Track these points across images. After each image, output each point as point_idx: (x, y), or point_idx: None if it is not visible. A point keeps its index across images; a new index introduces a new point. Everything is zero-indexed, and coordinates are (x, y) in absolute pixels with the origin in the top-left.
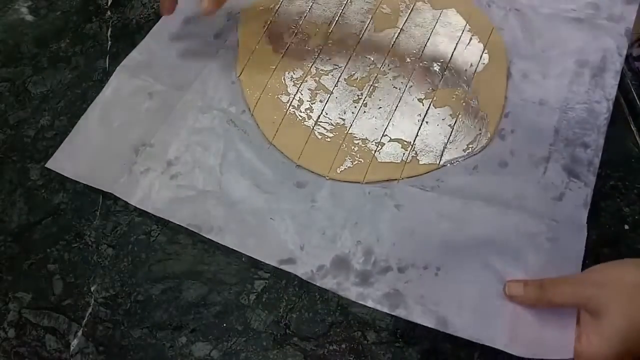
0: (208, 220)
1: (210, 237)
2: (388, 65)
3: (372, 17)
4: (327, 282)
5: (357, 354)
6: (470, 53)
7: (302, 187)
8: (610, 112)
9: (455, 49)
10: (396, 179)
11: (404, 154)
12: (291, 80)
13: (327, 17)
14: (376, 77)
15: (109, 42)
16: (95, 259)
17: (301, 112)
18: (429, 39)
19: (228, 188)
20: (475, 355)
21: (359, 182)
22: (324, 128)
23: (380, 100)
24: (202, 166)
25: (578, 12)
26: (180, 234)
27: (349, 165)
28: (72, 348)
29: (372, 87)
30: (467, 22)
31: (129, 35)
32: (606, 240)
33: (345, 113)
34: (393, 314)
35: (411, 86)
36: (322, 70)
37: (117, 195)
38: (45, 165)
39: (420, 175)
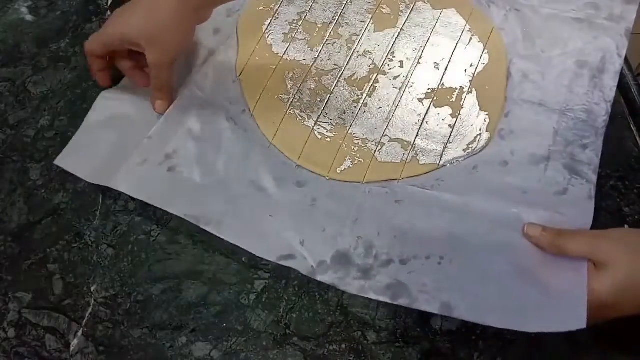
0: (206, 213)
1: (208, 230)
2: (388, 65)
3: (372, 17)
4: (328, 278)
5: (357, 354)
6: (470, 53)
7: (302, 187)
8: (608, 115)
9: (455, 49)
10: (396, 179)
11: (404, 154)
12: (291, 80)
13: (327, 17)
14: (376, 77)
15: None
16: (95, 259)
17: (301, 112)
18: (429, 39)
19: (227, 184)
20: (475, 356)
21: (359, 182)
22: (324, 128)
23: (380, 100)
24: (201, 161)
25: (578, 12)
26: (180, 234)
27: (349, 166)
28: (72, 348)
29: (372, 87)
30: (467, 22)
31: None
32: None
33: (345, 113)
34: (396, 303)
35: (411, 86)
36: (322, 70)
37: (112, 187)
38: (54, 162)
39: (420, 175)
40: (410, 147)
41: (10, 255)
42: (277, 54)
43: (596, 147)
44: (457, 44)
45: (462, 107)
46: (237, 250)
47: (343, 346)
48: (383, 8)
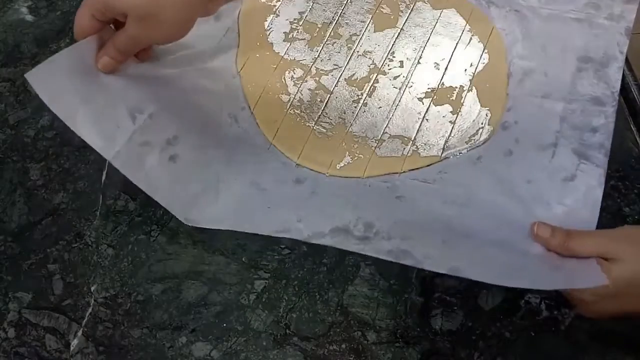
0: (205, 209)
1: (206, 227)
2: (388, 66)
3: (372, 17)
4: (325, 241)
5: (357, 354)
6: (470, 53)
7: (301, 183)
8: (616, 102)
9: (455, 48)
10: (397, 173)
11: (404, 148)
12: (291, 79)
13: (327, 17)
14: (376, 77)
15: None
16: (95, 259)
17: (301, 111)
18: (429, 39)
19: (227, 181)
20: (475, 356)
21: (359, 177)
22: (324, 127)
23: (380, 100)
24: (202, 154)
25: (577, 13)
26: (180, 234)
27: (348, 162)
28: (72, 348)
29: (372, 87)
30: (467, 22)
31: None
32: None
33: (345, 113)
34: (400, 262)
35: (411, 86)
36: (322, 70)
37: (117, 168)
38: (25, 75)
39: (422, 167)
40: (411, 142)
41: (10, 255)
42: (278, 53)
43: (607, 131)
44: (457, 43)
45: (462, 105)
46: (237, 251)
47: (343, 346)
48: (383, 8)
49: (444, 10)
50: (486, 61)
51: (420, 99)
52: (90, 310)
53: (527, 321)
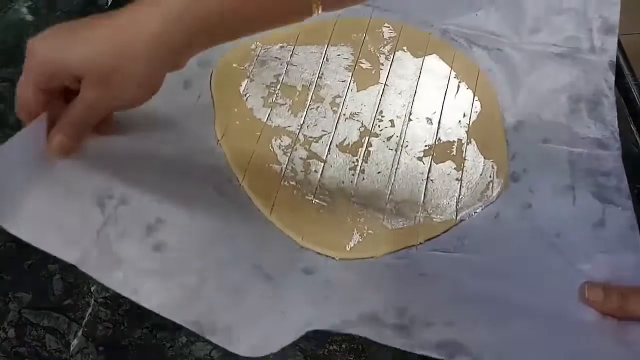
0: (210, 316)
1: (215, 341)
2: (378, 126)
3: (353, 75)
4: (358, 330)
5: (357, 354)
6: (461, 102)
7: (312, 273)
8: (619, 142)
9: (444, 99)
10: (414, 245)
11: (415, 216)
12: (280, 148)
13: (305, 79)
14: (368, 140)
15: None
16: None
17: (297, 184)
18: (415, 91)
19: (228, 268)
20: None
21: (373, 257)
22: (324, 201)
23: (377, 164)
24: (193, 235)
25: (559, 47)
26: None
27: (358, 240)
28: (72, 348)
29: (366, 152)
30: (451, 68)
31: None
32: None
33: (343, 182)
34: None
35: (407, 145)
36: (310, 137)
37: (92, 276)
38: None
39: (439, 235)
40: (421, 207)
41: (10, 255)
42: (260, 119)
43: (619, 173)
44: (445, 93)
45: (465, 160)
46: None
47: (343, 346)
48: (362, 63)
49: (425, 58)
50: (479, 109)
51: (419, 159)
52: (90, 310)
53: None
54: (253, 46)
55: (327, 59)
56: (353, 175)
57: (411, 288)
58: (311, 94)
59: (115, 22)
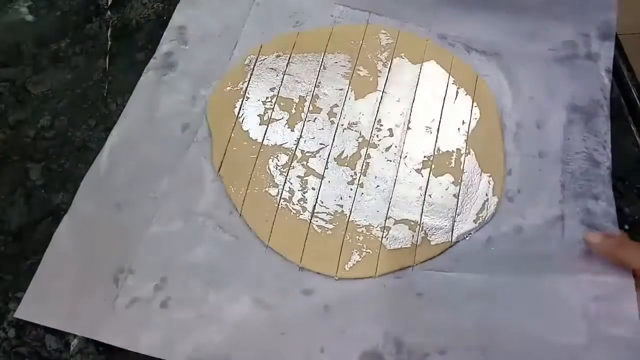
0: (212, 351)
1: None
2: (377, 136)
3: (350, 83)
4: None
5: None
6: (460, 109)
7: (310, 294)
8: (610, 160)
9: (443, 106)
10: (410, 266)
11: (412, 236)
12: (276, 168)
13: (302, 89)
14: (367, 151)
15: (109, 42)
16: None
17: (294, 204)
18: (414, 99)
19: (228, 308)
20: None
21: (371, 277)
22: (322, 219)
23: (376, 177)
24: (195, 286)
25: (556, 52)
26: None
27: (357, 260)
28: (72, 348)
29: (364, 164)
30: (449, 74)
31: (129, 35)
32: None
33: (341, 198)
34: None
35: (405, 156)
36: (307, 152)
37: (105, 342)
38: (15, 316)
39: (435, 257)
40: (418, 227)
41: (10, 255)
42: (256, 140)
43: (607, 198)
44: (444, 100)
45: (463, 172)
46: None
47: None
48: (360, 70)
49: (423, 64)
50: (478, 116)
51: (418, 171)
52: None
53: None
54: (247, 61)
55: (324, 67)
56: (351, 190)
57: (408, 312)
58: (308, 104)
59: None
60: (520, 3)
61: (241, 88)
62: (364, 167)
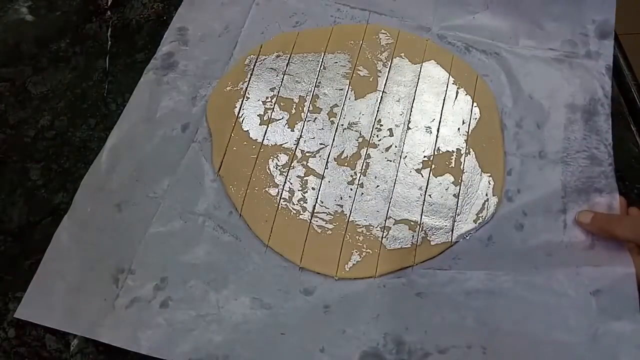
0: (211, 351)
1: None
2: (377, 136)
3: (350, 83)
4: None
5: None
6: (460, 109)
7: (311, 294)
8: (612, 157)
9: (443, 106)
10: (410, 266)
11: (412, 236)
12: (276, 168)
13: (302, 89)
14: (367, 151)
15: (109, 42)
16: None
17: (294, 204)
18: (414, 99)
19: (227, 308)
20: None
21: (371, 277)
22: (322, 219)
23: (376, 177)
24: (195, 286)
25: (556, 52)
26: None
27: (357, 260)
28: (72, 348)
29: (364, 164)
30: (449, 74)
31: (129, 35)
32: None
33: (342, 198)
34: None
35: (405, 156)
36: (307, 152)
37: (105, 342)
38: (15, 316)
39: (435, 257)
40: (418, 227)
41: (10, 255)
42: (256, 140)
43: (611, 190)
44: (444, 100)
45: (463, 172)
46: None
47: None
48: (360, 70)
49: (423, 64)
50: (478, 116)
51: (418, 171)
52: None
53: None
54: (247, 61)
55: (324, 67)
56: (351, 190)
57: (408, 312)
58: (308, 104)
59: None
60: (519, 3)
61: (241, 88)
62: (364, 167)
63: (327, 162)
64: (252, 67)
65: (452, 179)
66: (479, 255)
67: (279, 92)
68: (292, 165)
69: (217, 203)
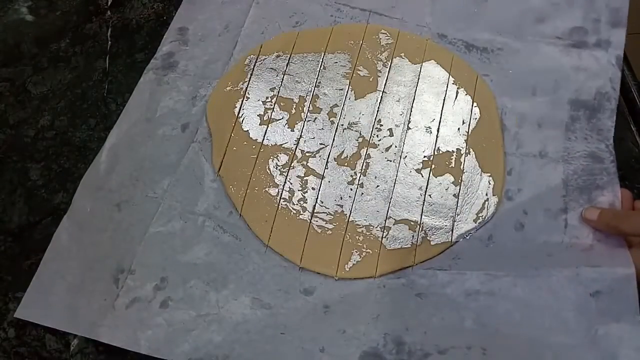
0: (211, 351)
1: None
2: (377, 136)
3: (350, 83)
4: None
5: None
6: (460, 109)
7: (311, 294)
8: (614, 156)
9: (443, 106)
10: (410, 266)
11: (412, 236)
12: (276, 168)
13: (302, 89)
14: (367, 151)
15: (109, 42)
16: None
17: (294, 204)
18: (414, 99)
19: (227, 308)
20: None
21: (371, 277)
22: (322, 219)
23: (376, 177)
24: (195, 286)
25: (563, 41)
26: None
27: (357, 260)
28: (72, 348)
29: (364, 164)
30: (449, 74)
31: (129, 35)
32: None
33: (342, 198)
34: None
35: (405, 156)
36: (307, 152)
37: (105, 342)
38: (15, 315)
39: (435, 256)
40: (418, 227)
41: (10, 255)
42: (256, 140)
43: (613, 188)
44: (444, 100)
45: (463, 172)
46: None
47: None
48: (360, 70)
49: (423, 64)
50: (478, 116)
51: (418, 171)
52: None
53: None
54: (247, 61)
55: (324, 67)
56: (351, 190)
57: (408, 312)
58: (308, 104)
59: None
60: None
61: (241, 88)
62: (363, 167)
63: (327, 162)
64: (252, 67)
65: (452, 179)
66: (479, 255)
67: (279, 92)
68: (292, 165)
69: (217, 203)
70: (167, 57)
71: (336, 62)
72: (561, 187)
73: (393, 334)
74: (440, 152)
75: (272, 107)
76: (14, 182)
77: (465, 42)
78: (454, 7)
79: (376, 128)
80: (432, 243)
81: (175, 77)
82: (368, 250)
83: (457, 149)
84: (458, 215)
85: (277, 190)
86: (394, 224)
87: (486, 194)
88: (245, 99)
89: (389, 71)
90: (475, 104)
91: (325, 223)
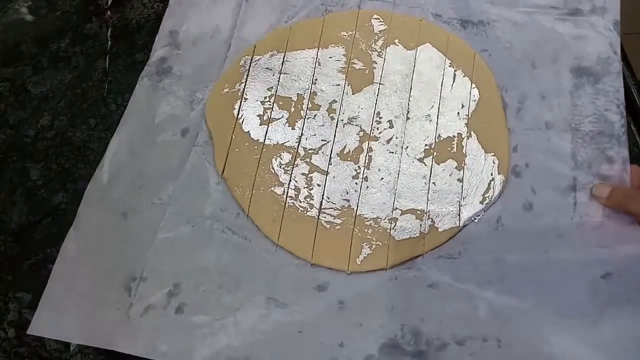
0: (231, 354)
1: None
2: (377, 129)
3: (346, 77)
4: None
5: None
6: (459, 91)
7: (324, 290)
8: (624, 117)
9: (441, 91)
10: (420, 255)
11: (420, 225)
12: (280, 167)
13: (299, 87)
14: (369, 145)
15: (109, 42)
16: None
17: (301, 202)
18: (411, 87)
19: (242, 309)
20: None
21: (382, 269)
22: (330, 215)
23: (379, 170)
24: (209, 289)
25: (559, 10)
26: None
27: (368, 253)
28: (72, 348)
29: (367, 158)
30: (445, 56)
31: (129, 35)
32: None
33: (347, 193)
34: None
35: (407, 147)
36: (310, 149)
37: (124, 352)
38: (28, 332)
39: (444, 243)
40: (425, 215)
41: (10, 255)
42: (257, 140)
43: (623, 159)
44: (441, 85)
45: (465, 156)
46: None
47: None
48: (355, 63)
49: (419, 49)
50: (477, 97)
51: (420, 160)
52: None
53: None
54: (242, 62)
55: (319, 64)
56: (357, 184)
57: (422, 304)
58: (307, 101)
59: None
60: None
61: (238, 89)
62: (367, 161)
63: (330, 158)
64: (248, 67)
65: (455, 164)
66: (488, 239)
67: (276, 91)
68: (295, 163)
69: (224, 205)
70: (160, 62)
71: (331, 57)
72: (569, 159)
73: (409, 324)
74: (442, 138)
75: (271, 106)
76: (14, 182)
77: (460, 19)
78: None
79: (376, 121)
80: (440, 230)
81: (170, 82)
82: (378, 243)
83: (457, 133)
84: (464, 199)
85: (282, 189)
86: (400, 215)
87: (491, 174)
88: (243, 100)
89: (384, 61)
90: (474, 85)
91: (334, 218)
